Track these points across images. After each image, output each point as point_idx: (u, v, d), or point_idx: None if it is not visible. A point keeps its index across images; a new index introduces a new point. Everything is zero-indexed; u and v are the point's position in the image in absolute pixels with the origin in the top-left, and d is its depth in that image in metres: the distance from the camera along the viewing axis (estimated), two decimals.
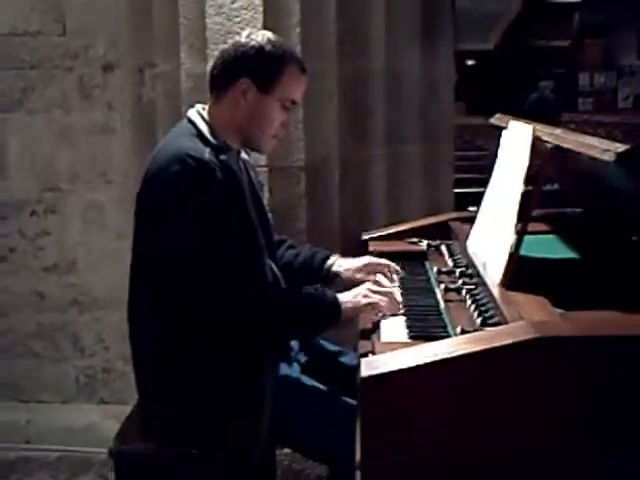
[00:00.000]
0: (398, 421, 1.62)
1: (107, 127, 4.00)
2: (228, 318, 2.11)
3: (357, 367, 2.24)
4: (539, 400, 1.62)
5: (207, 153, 2.14)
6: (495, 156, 2.52)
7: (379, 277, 2.33)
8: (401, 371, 1.60)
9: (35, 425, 4.08)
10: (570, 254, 2.45)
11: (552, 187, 2.96)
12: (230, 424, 2.15)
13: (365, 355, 1.87)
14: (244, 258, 2.14)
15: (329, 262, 2.50)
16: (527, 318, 1.72)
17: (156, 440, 2.20)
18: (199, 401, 2.16)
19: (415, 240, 2.88)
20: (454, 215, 3.00)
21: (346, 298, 2.19)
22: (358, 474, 1.68)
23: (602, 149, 1.70)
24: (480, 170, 6.83)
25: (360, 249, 2.90)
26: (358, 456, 1.67)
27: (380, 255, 2.69)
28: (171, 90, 3.56)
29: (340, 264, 2.47)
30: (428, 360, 1.61)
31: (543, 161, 2.05)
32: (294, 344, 2.45)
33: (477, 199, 3.17)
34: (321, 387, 2.29)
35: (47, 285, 4.12)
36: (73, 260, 4.10)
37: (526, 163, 2.07)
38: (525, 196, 2.09)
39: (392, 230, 3.01)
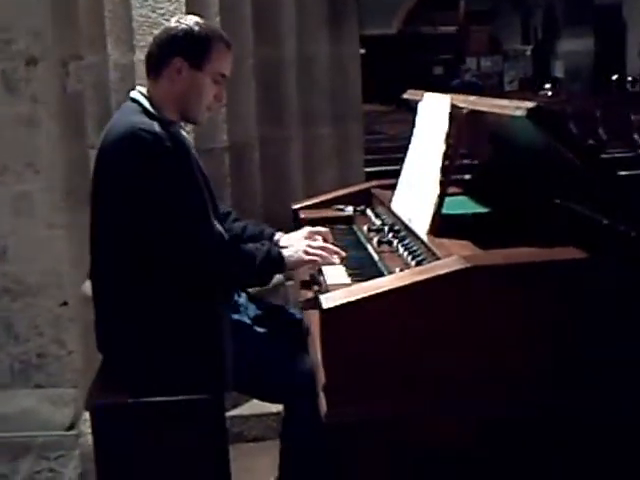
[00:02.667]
0: (357, 346, 1.87)
1: (33, 119, 4.12)
2: (187, 268, 2.36)
3: (301, 319, 2.54)
4: (474, 320, 1.90)
5: (156, 126, 2.37)
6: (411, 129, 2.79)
7: (316, 236, 2.61)
8: (358, 301, 1.86)
9: None
10: (481, 209, 2.74)
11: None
12: (197, 369, 2.38)
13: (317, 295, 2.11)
14: (200, 214, 2.40)
15: (276, 238, 2.75)
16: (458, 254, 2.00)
17: (128, 393, 2.41)
18: (164, 350, 2.39)
19: (341, 207, 3.14)
20: (375, 183, 3.26)
21: (289, 252, 2.49)
22: (322, 397, 1.93)
23: (514, 107, 2.00)
24: (380, 152, 7.17)
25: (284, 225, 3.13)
26: (322, 381, 1.92)
27: (310, 222, 2.94)
28: (98, 81, 3.74)
29: (287, 237, 2.73)
30: (379, 290, 1.88)
31: (460, 125, 2.33)
32: (242, 300, 2.70)
33: (385, 177, 3.46)
34: (274, 335, 2.54)
35: None
36: (3, 249, 4.22)
37: (446, 127, 2.35)
38: (444, 158, 2.37)
39: (319, 199, 3.25)
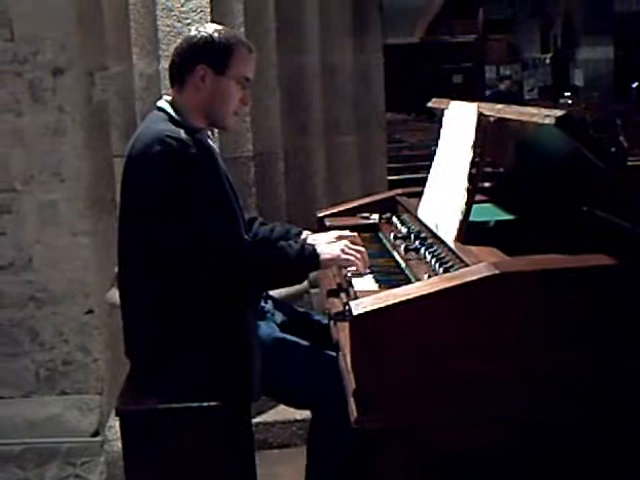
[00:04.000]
0: (387, 352, 1.88)
1: (59, 129, 4.19)
2: (216, 272, 2.37)
3: (327, 325, 2.55)
4: (503, 327, 1.91)
5: (183, 133, 2.40)
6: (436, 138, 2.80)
7: (351, 239, 2.61)
8: (388, 307, 1.87)
9: None
10: (508, 217, 2.75)
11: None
12: (225, 376, 2.40)
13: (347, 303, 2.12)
14: (228, 220, 2.43)
15: (302, 237, 2.76)
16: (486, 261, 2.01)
17: (157, 399, 2.43)
18: (192, 356, 2.40)
19: (366, 215, 3.15)
20: (400, 191, 3.27)
21: (324, 249, 2.49)
22: (352, 402, 1.94)
23: (543, 115, 2.01)
24: (402, 160, 7.20)
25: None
26: (352, 387, 1.93)
27: (335, 229, 2.94)
28: (123, 91, 3.78)
29: (313, 238, 2.73)
30: (409, 297, 1.88)
31: (487, 133, 2.34)
32: (269, 306, 2.72)
33: (407, 185, 3.47)
34: (301, 341, 2.55)
35: (4, 283, 4.28)
36: (29, 258, 4.27)
37: (473, 135, 2.36)
38: (471, 166, 2.38)
39: (344, 207, 3.25)
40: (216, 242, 2.36)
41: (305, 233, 2.79)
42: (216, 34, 2.51)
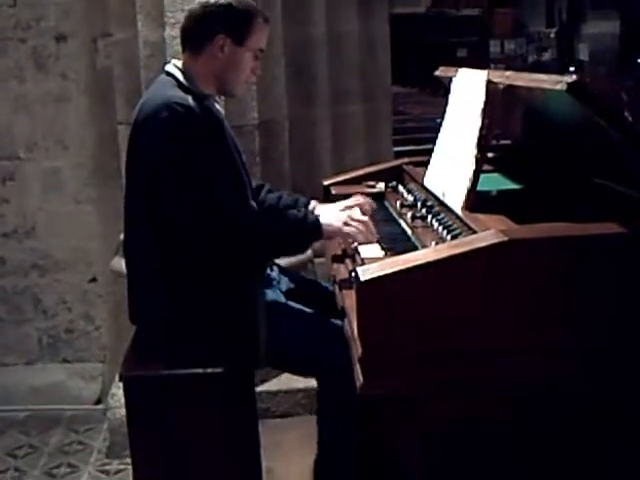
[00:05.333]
0: (394, 319, 1.87)
1: (62, 96, 4.15)
2: (222, 239, 2.35)
3: (332, 293, 2.54)
4: (512, 294, 1.89)
5: (190, 100, 2.38)
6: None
7: (356, 209, 2.59)
8: (395, 273, 1.86)
9: (1, 387, 4.22)
10: (516, 186, 2.73)
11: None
12: (230, 342, 2.39)
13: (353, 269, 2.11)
14: (234, 187, 2.41)
15: (310, 207, 2.74)
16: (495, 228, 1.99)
17: (161, 364, 2.42)
18: (197, 322, 2.40)
19: (372, 183, 3.13)
20: (406, 160, 3.25)
21: (327, 221, 2.47)
22: (358, 369, 1.93)
23: (555, 81, 1.98)
24: (406, 132, 7.15)
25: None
26: (358, 353, 1.92)
27: (341, 198, 2.92)
28: (128, 58, 3.74)
29: (320, 209, 2.71)
30: (417, 263, 1.87)
31: (497, 100, 2.32)
32: (274, 274, 2.71)
33: (412, 156, 3.44)
34: (306, 309, 2.55)
35: (7, 250, 4.27)
36: (33, 225, 4.26)
37: (482, 102, 2.33)
38: (480, 134, 2.35)
39: (350, 176, 3.24)
40: (222, 209, 2.34)
41: (313, 203, 2.78)
42: (235, 2, 2.47)
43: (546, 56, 13.48)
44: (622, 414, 2.01)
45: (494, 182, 2.76)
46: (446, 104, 2.74)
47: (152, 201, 2.38)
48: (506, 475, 2.08)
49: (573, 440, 2.05)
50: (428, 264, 1.87)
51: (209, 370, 2.40)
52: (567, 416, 1.98)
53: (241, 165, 2.52)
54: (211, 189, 2.34)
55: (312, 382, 2.83)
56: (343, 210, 2.58)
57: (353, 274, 1.97)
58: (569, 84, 1.92)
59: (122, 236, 2.58)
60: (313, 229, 2.45)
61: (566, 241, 1.93)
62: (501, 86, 2.32)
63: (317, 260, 3.83)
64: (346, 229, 2.46)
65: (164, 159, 2.34)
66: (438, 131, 2.75)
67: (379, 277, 1.86)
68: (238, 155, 2.53)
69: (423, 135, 6.49)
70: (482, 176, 2.40)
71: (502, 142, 3.27)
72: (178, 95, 2.38)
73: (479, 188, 2.37)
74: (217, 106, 2.62)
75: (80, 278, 4.30)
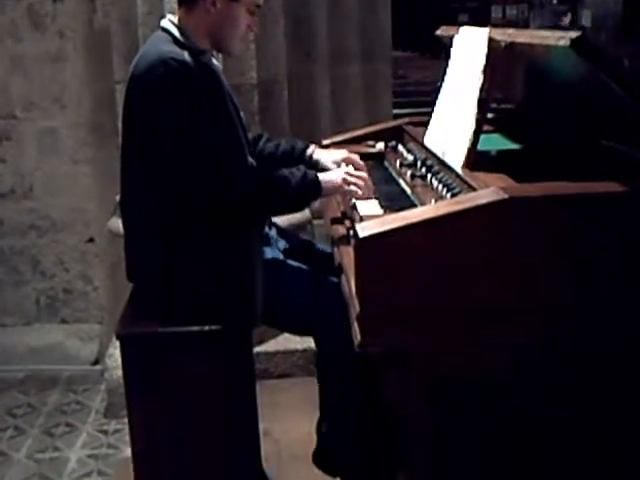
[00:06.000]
0: (393, 276, 1.85)
1: (59, 55, 4.11)
2: (219, 196, 2.33)
3: (329, 254, 2.53)
4: (511, 251, 1.87)
5: (186, 55, 2.34)
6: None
7: (352, 166, 2.57)
8: (394, 230, 1.84)
9: None
10: (517, 146, 2.71)
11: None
12: (227, 300, 2.38)
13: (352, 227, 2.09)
14: (232, 143, 2.39)
15: (309, 151, 2.72)
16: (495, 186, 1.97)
17: (158, 322, 2.41)
18: (194, 280, 2.38)
19: (372, 143, 3.10)
20: (406, 120, 3.21)
21: (326, 177, 2.46)
22: (356, 326, 1.91)
23: (557, 37, 1.95)
24: (406, 95, 7.11)
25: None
26: (356, 311, 1.91)
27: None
28: (125, 16, 3.70)
29: (319, 153, 2.69)
30: (416, 220, 1.85)
31: (498, 58, 2.28)
32: (273, 233, 2.69)
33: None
34: (304, 267, 2.53)
35: (5, 211, 4.25)
36: (30, 186, 4.23)
37: (483, 60, 2.30)
38: (481, 92, 2.32)
39: (349, 135, 3.20)
40: (220, 165, 2.32)
41: (311, 147, 2.75)
42: None
43: (565, 21, 13.27)
44: (620, 367, 2.00)
45: (495, 142, 2.73)
46: (447, 65, 2.71)
47: (149, 158, 2.35)
48: (506, 430, 2.08)
49: (571, 394, 2.05)
50: (427, 221, 1.85)
51: (206, 328, 2.38)
52: (566, 370, 1.97)
53: (239, 122, 2.49)
54: (209, 145, 2.31)
55: (310, 343, 2.83)
56: (343, 160, 2.56)
57: (352, 231, 1.95)
58: (572, 40, 1.89)
59: (119, 196, 2.55)
60: (313, 186, 2.43)
61: (566, 199, 1.91)
62: (503, 44, 2.29)
63: (316, 222, 3.82)
64: (345, 187, 2.45)
65: (160, 115, 2.30)
66: (438, 93, 2.72)
67: (378, 234, 1.84)
68: (236, 112, 2.50)
69: (423, 99, 6.47)
70: (483, 136, 2.37)
71: (503, 106, 3.25)
72: (174, 51, 2.35)
73: (480, 148, 2.34)
74: (215, 62, 2.58)
75: (78, 239, 4.29)
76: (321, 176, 2.45)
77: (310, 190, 2.44)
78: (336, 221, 2.58)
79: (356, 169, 2.55)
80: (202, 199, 2.33)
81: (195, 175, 2.31)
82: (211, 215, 2.34)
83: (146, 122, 2.34)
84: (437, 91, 2.73)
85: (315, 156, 2.66)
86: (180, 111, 2.29)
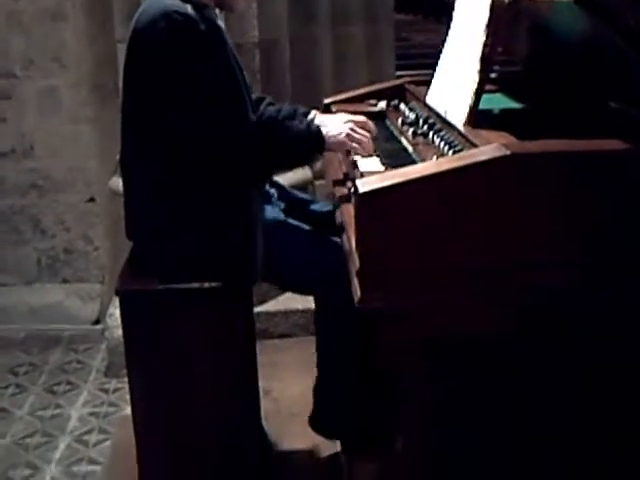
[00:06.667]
0: (393, 232, 1.83)
1: (60, 13, 4.07)
2: (222, 147, 2.32)
3: (330, 212, 2.51)
4: (514, 208, 1.85)
5: (189, 9, 2.31)
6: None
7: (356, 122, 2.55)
8: (395, 185, 1.82)
9: (0, 307, 4.24)
10: (519, 105, 2.68)
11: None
12: (227, 257, 2.37)
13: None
14: (236, 99, 2.37)
15: (310, 116, 2.70)
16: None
17: (157, 279, 2.40)
18: (194, 236, 2.37)
19: (374, 102, 3.08)
20: (408, 79, 3.19)
21: (330, 132, 2.43)
22: (355, 282, 1.90)
23: None
24: (408, 57, 7.02)
25: None
26: (356, 266, 1.89)
27: None
28: None
29: (321, 118, 2.67)
30: (417, 175, 1.83)
31: (502, 15, 2.25)
32: (274, 191, 2.68)
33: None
34: (305, 226, 2.52)
35: (5, 170, 4.23)
36: (30, 145, 4.21)
37: (486, 17, 2.27)
38: (484, 49, 2.29)
39: (351, 94, 3.17)
40: (223, 119, 2.30)
41: (313, 112, 2.73)
42: None
43: None
44: (626, 326, 1.99)
45: (498, 102, 2.71)
46: (450, 24, 2.68)
47: (150, 112, 2.33)
48: (507, 391, 2.08)
49: (575, 356, 2.05)
50: (429, 176, 1.83)
51: (205, 285, 2.38)
52: (570, 331, 1.96)
53: (241, 77, 2.46)
54: (212, 98, 2.29)
55: (310, 303, 2.83)
56: (346, 122, 2.53)
57: (352, 188, 1.93)
58: None
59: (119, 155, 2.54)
60: (315, 139, 2.41)
61: (569, 156, 1.90)
62: (506, 0, 2.26)
63: (317, 182, 3.81)
64: (349, 142, 2.42)
65: (164, 68, 2.28)
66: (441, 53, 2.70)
67: (378, 189, 1.82)
68: (238, 67, 2.47)
69: (426, 61, 6.38)
70: (486, 96, 2.34)
71: (507, 69, 3.22)
72: (176, 4, 2.32)
73: (483, 107, 2.32)
74: (218, 19, 2.55)
75: (78, 198, 4.27)
76: (324, 130, 2.43)
77: (313, 143, 2.42)
78: (338, 182, 2.56)
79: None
80: (205, 151, 2.31)
81: (197, 127, 2.29)
82: (212, 170, 2.32)
83: (149, 76, 2.32)
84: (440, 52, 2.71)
85: (317, 121, 2.63)
86: (184, 63, 2.27)
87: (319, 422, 2.71)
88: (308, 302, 3.23)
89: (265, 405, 2.89)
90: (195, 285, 2.38)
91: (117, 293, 2.45)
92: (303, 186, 3.64)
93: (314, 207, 2.76)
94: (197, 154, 2.31)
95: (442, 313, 1.91)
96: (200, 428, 2.56)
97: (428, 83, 2.76)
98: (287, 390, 3.31)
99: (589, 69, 2.32)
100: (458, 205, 1.85)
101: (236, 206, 2.38)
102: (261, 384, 2.72)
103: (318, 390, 2.73)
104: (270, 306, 3.68)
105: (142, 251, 2.50)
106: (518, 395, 2.12)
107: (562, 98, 2.47)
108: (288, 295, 3.67)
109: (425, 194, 1.83)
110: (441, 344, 1.95)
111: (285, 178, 3.20)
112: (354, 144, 2.41)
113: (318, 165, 3.68)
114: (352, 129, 2.44)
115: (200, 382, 2.52)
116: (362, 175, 2.14)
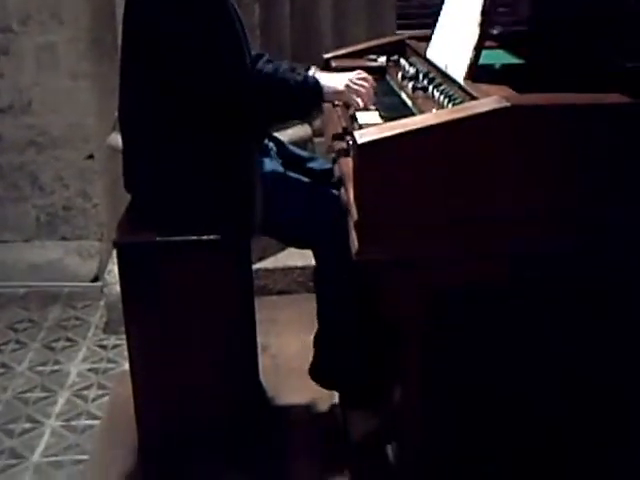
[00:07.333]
0: (392, 183, 1.83)
1: None
2: (221, 95, 2.31)
3: (328, 170, 2.50)
4: (512, 159, 1.85)
5: None
6: None
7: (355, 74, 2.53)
8: (394, 136, 1.81)
9: None
10: (520, 61, 2.66)
11: None
12: (225, 210, 2.36)
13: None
14: (235, 49, 2.35)
15: (310, 73, 2.67)
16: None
17: (155, 231, 2.40)
18: (192, 189, 2.37)
19: (374, 57, 3.05)
20: (408, 34, 3.16)
21: (328, 82, 2.42)
22: (353, 234, 1.90)
23: None
24: (409, 17, 6.96)
25: None
26: (354, 218, 1.89)
27: (342, 71, 2.85)
28: None
29: (320, 75, 2.64)
30: (416, 127, 1.82)
31: None
32: (272, 144, 2.66)
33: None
34: (303, 178, 2.51)
35: (3, 127, 4.21)
36: (29, 101, 4.18)
37: None
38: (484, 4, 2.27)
39: (351, 49, 3.15)
40: (224, 70, 2.28)
41: (312, 69, 2.70)
42: None
43: None
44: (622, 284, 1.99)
45: (499, 57, 2.69)
46: None
47: (150, 63, 2.32)
48: (501, 342, 2.09)
49: (570, 308, 2.05)
50: (427, 127, 1.82)
51: (204, 237, 2.37)
52: (565, 283, 1.97)
53: (241, 29, 2.44)
54: (212, 50, 2.28)
55: (309, 260, 2.82)
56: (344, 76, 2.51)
57: (351, 140, 1.92)
58: None
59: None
60: (314, 89, 2.40)
61: (568, 109, 1.88)
62: None
63: (317, 140, 3.78)
64: (347, 93, 2.41)
65: (163, 18, 2.27)
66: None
67: (377, 140, 1.81)
68: (238, 19, 2.45)
69: (426, 20, 6.30)
70: (487, 52, 2.33)
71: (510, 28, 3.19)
72: None
73: (484, 62, 2.30)
74: None
75: (77, 155, 4.25)
76: (323, 80, 2.41)
77: (312, 94, 2.41)
78: (337, 136, 2.55)
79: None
80: (203, 100, 2.30)
81: (196, 77, 2.28)
82: (212, 122, 2.31)
83: (148, 27, 2.30)
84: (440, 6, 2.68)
85: (316, 75, 2.60)
86: (184, 12, 2.25)
87: (318, 371, 2.72)
88: (307, 259, 3.23)
89: (263, 361, 2.90)
90: (193, 237, 2.37)
91: (115, 245, 2.44)
92: (302, 143, 3.62)
93: (313, 164, 2.74)
94: (196, 105, 2.30)
95: (439, 263, 1.91)
96: (198, 383, 2.57)
97: (428, 39, 2.74)
98: (285, 346, 3.32)
99: (593, 23, 2.29)
100: (457, 156, 1.84)
101: (235, 158, 2.37)
102: (259, 340, 2.73)
103: (318, 340, 2.73)
104: (269, 263, 3.68)
105: (140, 204, 2.49)
106: (515, 344, 2.12)
107: (563, 54, 2.45)
108: (287, 252, 3.66)
109: (424, 145, 1.82)
110: (438, 295, 1.95)
111: (284, 135, 3.18)
112: (352, 95, 2.39)
113: (317, 123, 3.65)
114: (351, 80, 2.42)
115: (198, 337, 2.53)
116: (361, 127, 2.13)
